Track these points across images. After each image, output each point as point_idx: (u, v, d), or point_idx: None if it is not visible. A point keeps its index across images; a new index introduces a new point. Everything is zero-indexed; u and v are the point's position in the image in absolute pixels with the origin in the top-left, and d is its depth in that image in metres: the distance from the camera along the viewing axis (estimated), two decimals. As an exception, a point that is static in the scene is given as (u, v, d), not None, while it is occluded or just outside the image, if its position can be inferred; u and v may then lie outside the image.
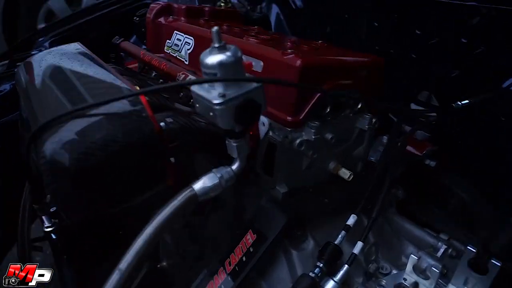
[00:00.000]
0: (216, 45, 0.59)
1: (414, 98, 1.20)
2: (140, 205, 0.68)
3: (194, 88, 0.64)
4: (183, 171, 0.73)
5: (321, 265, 0.79)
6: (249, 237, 0.83)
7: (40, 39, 1.49)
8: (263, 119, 0.82)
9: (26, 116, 0.84)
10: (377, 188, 0.88)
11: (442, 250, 0.95)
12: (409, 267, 0.88)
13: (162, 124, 0.68)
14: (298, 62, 0.73)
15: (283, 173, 0.81)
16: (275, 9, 1.99)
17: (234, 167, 0.68)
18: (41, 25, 3.34)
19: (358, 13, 1.53)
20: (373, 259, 0.98)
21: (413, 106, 1.22)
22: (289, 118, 0.78)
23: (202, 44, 1.05)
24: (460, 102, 0.91)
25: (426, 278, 0.87)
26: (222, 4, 1.60)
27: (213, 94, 0.60)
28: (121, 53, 1.29)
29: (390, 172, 0.90)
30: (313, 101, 0.77)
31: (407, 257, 0.91)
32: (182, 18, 1.25)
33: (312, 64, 0.75)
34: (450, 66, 1.17)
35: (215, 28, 0.59)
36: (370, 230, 0.83)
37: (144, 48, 1.27)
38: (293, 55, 0.76)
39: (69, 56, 0.90)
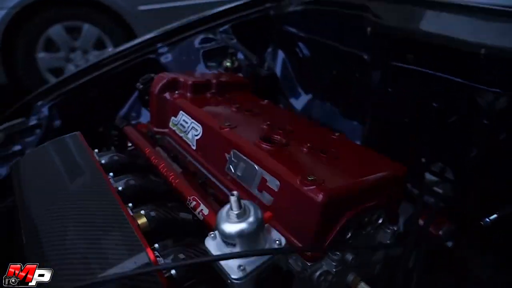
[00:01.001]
0: (236, 211, 0.53)
1: (428, 168, 1.14)
2: None
3: (210, 247, 0.58)
4: None
5: None
6: None
7: (39, 103, 1.42)
8: (278, 235, 0.75)
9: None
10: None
11: None
12: None
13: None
14: (320, 197, 0.67)
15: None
16: (280, 55, 1.95)
17: None
18: (40, 54, 3.29)
19: (370, 78, 1.44)
20: None
21: (428, 176, 1.18)
22: (309, 253, 0.72)
23: (211, 135, 1.00)
24: (489, 218, 0.84)
25: None
26: (228, 64, 1.54)
27: (231, 264, 0.54)
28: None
29: (416, 276, 0.81)
30: (337, 230, 0.71)
31: None
32: (188, 94, 1.19)
33: (335, 196, 0.69)
34: (468, 145, 1.13)
35: (235, 194, 0.53)
36: None
37: (147, 134, 1.21)
38: (314, 186, 0.69)
39: (64, 159, 0.90)
